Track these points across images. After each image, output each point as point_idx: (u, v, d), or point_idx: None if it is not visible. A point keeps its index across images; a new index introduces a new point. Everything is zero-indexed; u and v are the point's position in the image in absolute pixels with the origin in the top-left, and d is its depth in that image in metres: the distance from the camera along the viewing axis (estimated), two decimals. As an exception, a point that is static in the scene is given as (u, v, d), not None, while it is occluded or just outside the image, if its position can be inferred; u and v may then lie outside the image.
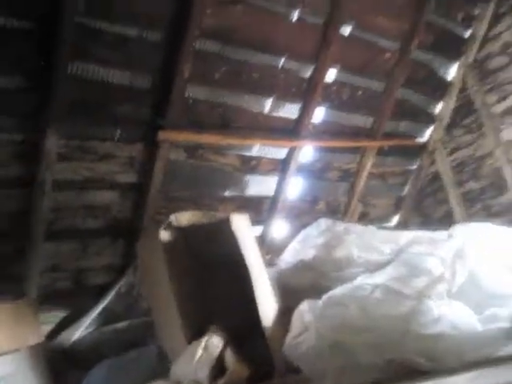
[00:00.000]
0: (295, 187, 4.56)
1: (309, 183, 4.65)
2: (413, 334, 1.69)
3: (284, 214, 4.53)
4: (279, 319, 2.35)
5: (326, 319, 1.92)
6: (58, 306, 3.72)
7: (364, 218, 5.09)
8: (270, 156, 4.30)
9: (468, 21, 4.86)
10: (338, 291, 2.08)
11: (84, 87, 3.31)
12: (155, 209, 3.87)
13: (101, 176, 3.61)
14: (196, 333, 2.26)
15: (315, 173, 4.64)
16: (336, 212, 4.90)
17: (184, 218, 2.40)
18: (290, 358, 2.06)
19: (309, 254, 2.88)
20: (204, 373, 2.07)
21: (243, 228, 2.40)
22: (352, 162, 4.82)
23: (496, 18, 4.79)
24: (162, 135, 3.55)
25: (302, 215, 4.70)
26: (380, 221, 5.32)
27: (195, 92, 3.75)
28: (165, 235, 2.32)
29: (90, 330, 2.78)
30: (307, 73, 4.16)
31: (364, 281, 2.05)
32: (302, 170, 4.52)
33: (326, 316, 1.94)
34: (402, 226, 5.43)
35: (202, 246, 2.39)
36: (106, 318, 2.80)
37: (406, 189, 5.35)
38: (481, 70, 4.92)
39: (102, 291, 3.84)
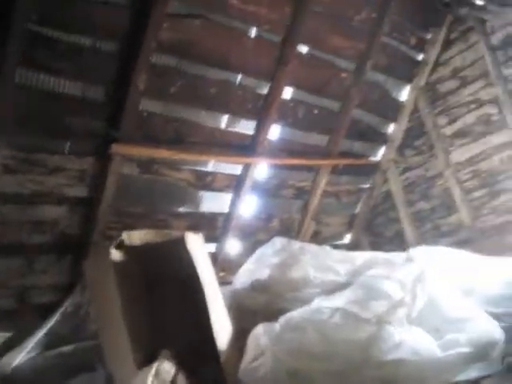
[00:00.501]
0: (249, 204, 4.52)
1: (263, 201, 4.62)
2: (373, 361, 1.67)
3: (238, 232, 4.48)
4: (234, 342, 2.29)
5: (283, 343, 1.87)
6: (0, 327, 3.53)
7: (317, 237, 5.10)
8: (225, 172, 4.25)
9: (421, 45, 4.99)
10: (295, 314, 2.03)
11: (33, 97, 3.19)
12: (106, 224, 3.74)
13: (49, 190, 3.46)
14: (147, 357, 2.16)
15: (270, 190, 4.62)
16: (290, 230, 4.89)
17: (136, 236, 2.31)
18: (245, 382, 1.99)
19: (264, 273, 2.83)
20: (156, 400, 1.98)
21: (197, 247, 2.33)
22: (306, 180, 4.83)
23: (447, 44, 4.95)
24: (115, 148, 3.45)
25: (256, 233, 4.66)
26: (332, 239, 5.34)
27: (150, 106, 3.67)
28: (116, 254, 2.23)
29: (33, 354, 2.61)
30: (264, 90, 4.16)
31: (322, 304, 2.02)
32: (257, 187, 4.49)
33: (283, 340, 1.88)
34: (354, 244, 5.47)
35: (155, 266, 2.31)
36: (51, 340, 2.64)
37: (359, 207, 5.41)
38: (432, 93, 5.06)
39: (47, 311, 3.66)
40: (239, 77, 3.99)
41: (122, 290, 2.18)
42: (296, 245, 3.02)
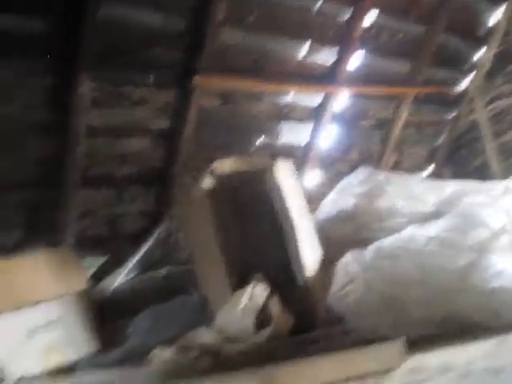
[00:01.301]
0: (329, 135, 4.46)
1: (342, 131, 4.54)
2: (472, 289, 1.64)
3: (317, 163, 4.45)
4: (321, 270, 2.32)
5: (375, 271, 1.87)
6: (92, 253, 3.75)
7: (397, 168, 4.99)
8: (304, 103, 4.19)
9: (517, -41, 4.56)
10: (387, 242, 2.02)
11: (117, 30, 3.22)
12: (187, 156, 3.82)
13: (134, 122, 3.55)
14: (239, 282, 2.24)
15: (349, 120, 4.52)
16: (369, 161, 4.79)
17: (226, 164, 2.34)
18: (334, 309, 2.03)
19: (349, 203, 2.81)
20: (249, 321, 2.06)
21: (287, 175, 2.33)
22: (387, 110, 4.68)
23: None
24: (198, 80, 3.45)
25: (335, 164, 4.62)
26: (413, 171, 5.21)
27: (229, 36, 3.63)
28: (208, 182, 2.27)
29: (130, 277, 2.79)
30: (345, 15, 3.99)
31: (415, 232, 1.99)
32: (337, 117, 4.40)
33: (375, 268, 1.89)
34: (435, 176, 5.31)
35: (246, 194, 2.34)
36: (145, 265, 2.81)
37: (441, 138, 5.21)
38: (528, 12, 4.66)
39: (136, 237, 3.86)
40: (319, 3, 3.83)
41: (214, 217, 2.24)
42: (381, 175, 2.95)
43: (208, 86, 3.62)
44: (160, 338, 2.15)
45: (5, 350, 2.21)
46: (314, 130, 4.31)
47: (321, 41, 3.97)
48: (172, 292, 2.53)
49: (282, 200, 2.24)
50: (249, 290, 2.14)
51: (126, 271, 2.78)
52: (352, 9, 3.98)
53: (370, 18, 4.11)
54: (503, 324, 1.60)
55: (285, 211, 2.24)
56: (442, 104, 5.02)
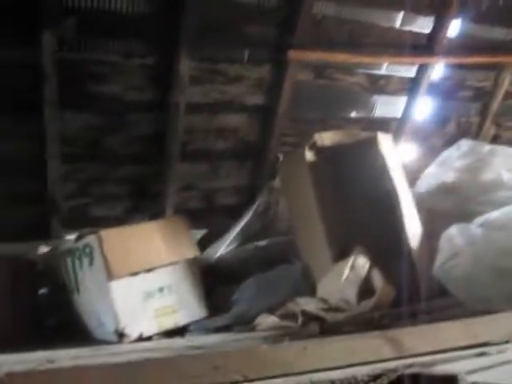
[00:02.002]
0: (424, 108, 4.33)
1: (439, 103, 4.40)
2: None
3: (412, 136, 4.35)
4: (424, 243, 2.30)
5: (485, 244, 1.84)
6: (190, 225, 3.91)
7: (496, 141, 4.76)
8: (399, 74, 4.09)
9: None
10: (496, 215, 1.97)
11: (213, 8, 3.28)
12: (281, 130, 3.87)
13: (230, 98, 3.63)
14: (341, 252, 2.27)
15: (446, 92, 4.36)
16: (467, 134, 4.61)
17: (327, 137, 2.36)
18: (441, 281, 2.01)
19: (450, 176, 2.75)
20: (352, 292, 2.09)
21: (388, 148, 2.32)
22: (487, 80, 4.46)
23: None
24: (291, 54, 3.47)
25: (431, 137, 4.50)
26: (513, 144, 4.95)
27: (323, 8, 3.60)
28: (309, 155, 2.31)
29: (232, 246, 2.90)
30: (443, -18, 3.82)
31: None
32: (433, 89, 4.26)
33: (485, 241, 1.85)
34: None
35: (347, 166, 2.35)
36: (245, 236, 2.91)
37: (545, 109, 4.89)
38: None
39: (231, 211, 3.98)
40: (415, -30, 3.70)
41: (315, 189, 2.28)
42: (485, 147, 2.85)
43: (302, 60, 3.63)
44: (264, 306, 2.23)
45: (124, 312, 2.38)
46: (410, 103, 4.21)
47: (416, 9, 3.85)
48: (274, 262, 2.61)
49: (386, 172, 2.24)
50: (351, 260, 2.17)
51: (227, 242, 2.89)
52: (450, -26, 3.80)
53: (470, -17, 3.91)
54: None
55: (389, 183, 2.24)
56: (547, 72, 4.70)
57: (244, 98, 3.68)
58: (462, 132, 4.61)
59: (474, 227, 2.07)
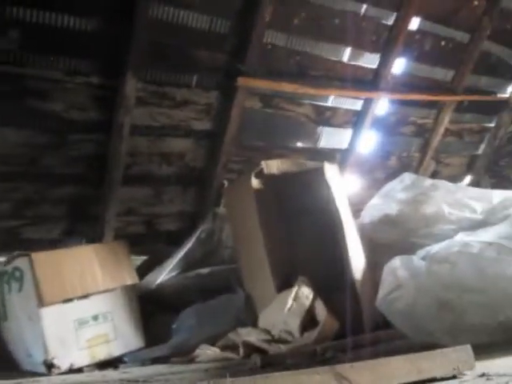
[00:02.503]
0: (368, 141, 4.42)
1: (382, 137, 4.51)
2: (532, 297, 1.60)
3: (355, 168, 4.42)
4: (367, 274, 2.29)
5: (428, 276, 1.84)
6: (131, 250, 3.79)
7: (435, 177, 4.91)
8: (345, 107, 4.17)
9: None
10: (440, 248, 1.99)
11: (163, 31, 3.25)
12: (228, 157, 3.84)
13: (177, 123, 3.58)
14: (283, 282, 2.23)
15: (389, 127, 4.48)
16: (408, 168, 4.73)
17: (274, 165, 2.33)
18: (384, 313, 2.00)
19: (393, 209, 2.78)
20: (295, 323, 2.05)
21: (335, 178, 2.32)
22: (428, 117, 4.63)
23: None
24: (241, 81, 3.46)
25: (374, 170, 4.58)
26: (451, 180, 5.10)
27: (274, 38, 3.64)
28: (255, 182, 2.27)
29: (173, 274, 2.79)
30: (389, 20, 3.96)
31: (468, 238, 1.95)
32: (377, 123, 4.37)
33: (429, 273, 1.85)
34: (474, 186, 5.21)
35: (293, 195, 2.34)
36: (187, 263, 2.81)
37: (482, 147, 5.12)
38: None
39: (172, 237, 3.88)
40: (364, 7, 3.82)
41: (261, 217, 2.24)
42: (427, 181, 2.92)
43: (250, 88, 3.63)
44: (205, 336, 2.15)
45: (54, 341, 2.23)
46: (354, 135, 4.29)
47: (364, 45, 3.96)
48: (216, 290, 2.53)
49: (331, 202, 2.23)
50: (294, 291, 2.12)
51: (168, 269, 2.78)
52: (395, 14, 3.94)
53: (414, 23, 4.08)
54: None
55: (334, 213, 2.23)
56: (484, 113, 4.95)
57: (191, 122, 3.64)
58: (404, 166, 4.73)
59: (417, 259, 2.09)
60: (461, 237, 2.04)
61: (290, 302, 2.10)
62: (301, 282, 2.17)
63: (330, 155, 4.33)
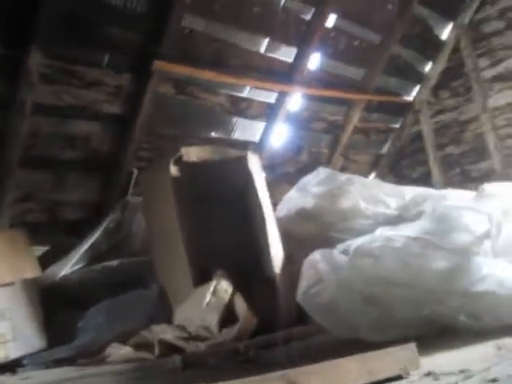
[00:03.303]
0: (281, 135, 4.41)
1: (294, 132, 4.52)
2: (457, 291, 1.62)
3: (266, 161, 4.38)
4: (284, 267, 2.25)
5: (352, 270, 1.82)
6: (30, 240, 3.50)
7: (342, 172, 5.01)
8: (260, 99, 4.12)
9: (471, -21, 4.73)
10: (362, 242, 1.98)
11: (76, 3, 3.01)
12: (138, 144, 3.66)
13: (85, 104, 3.35)
14: (201, 275, 2.12)
15: (302, 122, 4.50)
16: (317, 163, 4.78)
17: (194, 152, 2.22)
18: (304, 307, 1.96)
19: (309, 202, 2.76)
20: (213, 319, 1.95)
21: (256, 168, 2.25)
22: (339, 114, 4.71)
23: (498, -19, 4.69)
24: (157, 65, 3.30)
25: (284, 164, 4.59)
26: (357, 177, 5.25)
27: (193, 22, 3.51)
28: (174, 170, 2.14)
29: (78, 266, 2.56)
30: (308, 15, 3.97)
31: (391, 233, 1.96)
32: (290, 117, 4.37)
33: (352, 267, 1.83)
34: (378, 183, 5.38)
35: (213, 184, 2.23)
36: (94, 255, 2.59)
37: (387, 146, 5.30)
38: (476, 32, 4.85)
39: (75, 226, 3.64)
40: (284, -1, 3.79)
41: (178, 206, 2.11)
42: (342, 176, 2.93)
43: (165, 73, 3.48)
44: (115, 334, 1.98)
45: None
46: (267, 128, 4.26)
47: (282, 38, 3.94)
48: (126, 284, 2.36)
49: (253, 192, 2.15)
50: (213, 285, 2.03)
51: (72, 261, 2.55)
52: (314, 9, 3.96)
53: (331, 21, 4.11)
54: (483, 327, 1.59)
55: (256, 204, 2.16)
56: (390, 113, 5.12)
57: (100, 105, 3.42)
58: (313, 161, 4.78)
59: (337, 253, 2.07)
60: (381, 232, 2.05)
61: (208, 296, 2.00)
62: (219, 276, 2.08)
63: (243, 147, 4.26)
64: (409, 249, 1.74)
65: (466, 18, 4.85)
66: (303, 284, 2.04)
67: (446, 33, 4.95)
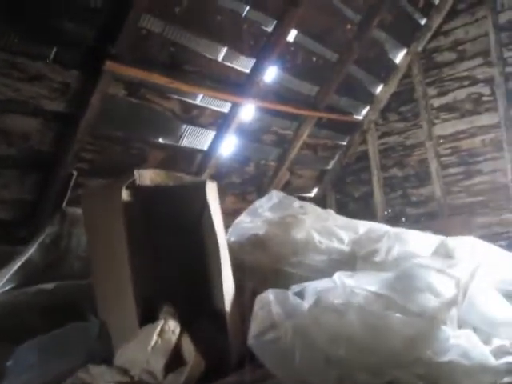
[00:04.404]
0: (230, 145, 4.30)
1: (243, 143, 4.43)
2: (421, 360, 1.57)
3: (213, 171, 4.27)
4: (235, 298, 2.14)
5: (313, 324, 1.73)
6: None
7: (287, 187, 4.99)
8: (213, 107, 3.99)
9: (427, 9, 4.81)
10: (323, 290, 1.89)
11: (23, -10, 2.75)
12: (81, 145, 3.43)
13: (25, 99, 3.09)
14: (147, 310, 1.97)
15: (252, 133, 4.42)
16: (264, 176, 4.73)
17: (147, 176, 2.06)
18: (255, 353, 1.86)
19: (261, 228, 2.67)
20: (159, 363, 1.81)
21: (214, 197, 2.12)
22: (289, 129, 4.66)
23: (453, 13, 4.79)
24: (109, 66, 3.09)
25: (231, 174, 4.48)
26: (301, 191, 5.25)
27: (151, 23, 3.33)
28: (125, 194, 1.97)
29: (9, 287, 2.29)
30: (269, 27, 3.87)
31: (351, 283, 1.89)
32: (240, 128, 4.26)
33: (314, 320, 1.75)
34: (320, 199, 5.41)
35: (163, 210, 2.08)
36: (27, 274, 2.34)
37: (332, 163, 5.31)
38: (428, 61, 4.94)
39: (4, 228, 3.38)
40: (247, 8, 3.67)
41: (128, 234, 1.95)
42: (295, 202, 2.86)
43: (118, 74, 3.27)
44: (49, 376, 1.79)
45: None
46: (217, 138, 4.13)
47: (241, 48, 3.83)
48: (62, 311, 2.16)
49: (209, 221, 2.03)
50: (160, 325, 1.89)
51: (4, 279, 2.29)
52: (275, 22, 3.87)
53: (291, 36, 4.05)
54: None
55: (212, 233, 2.03)
56: (339, 130, 5.14)
57: (42, 101, 3.17)
58: (260, 174, 4.71)
59: (292, 296, 1.98)
60: (340, 278, 1.98)
61: (154, 338, 1.86)
62: (167, 314, 1.94)
63: (190, 155, 4.13)
64: (372, 308, 1.67)
65: (420, 45, 4.92)
66: (255, 327, 1.94)
67: (399, 58, 5.00)
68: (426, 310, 1.68)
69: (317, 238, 2.55)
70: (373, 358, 1.59)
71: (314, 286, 2.01)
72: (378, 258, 2.32)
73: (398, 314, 1.64)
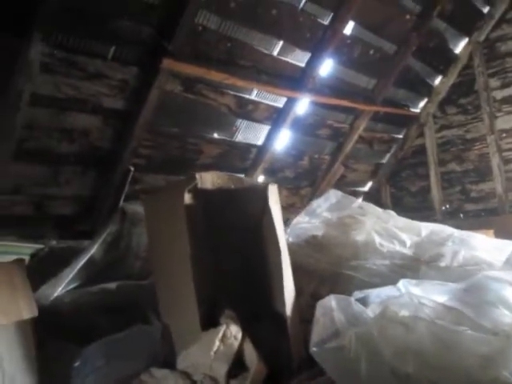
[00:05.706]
0: (284, 139, 4.26)
1: (298, 137, 4.37)
2: (500, 380, 1.50)
3: (267, 165, 4.24)
4: (295, 301, 2.11)
5: (379, 335, 1.69)
6: (12, 234, 3.31)
7: (341, 181, 4.90)
8: (268, 102, 3.95)
9: (491, -4, 4.60)
10: (388, 299, 1.84)
11: (85, -11, 2.78)
12: (139, 141, 3.47)
13: (85, 97, 3.14)
14: (209, 314, 1.97)
15: (306, 127, 4.35)
16: (318, 170, 4.67)
17: (208, 179, 2.05)
18: (317, 360, 1.83)
19: (320, 230, 2.62)
20: (222, 369, 1.81)
21: (276, 201, 2.09)
22: (345, 122, 4.56)
23: (518, 0, 4.56)
24: (166, 64, 3.09)
25: (284, 169, 4.44)
26: (354, 185, 5.16)
27: (207, 19, 3.32)
28: (188, 198, 1.97)
29: (73, 286, 2.33)
30: (326, 20, 3.79)
31: (418, 292, 1.83)
32: (295, 122, 4.21)
33: (380, 332, 1.69)
34: (374, 193, 5.30)
35: (225, 214, 2.07)
36: (90, 273, 2.37)
37: (387, 157, 5.19)
38: (490, 50, 4.72)
39: (64, 222, 3.47)
40: (303, 1, 3.60)
41: (190, 236, 1.95)
42: (354, 202, 2.79)
43: (175, 71, 3.28)
44: (113, 380, 1.81)
45: None
46: (272, 133, 4.10)
47: (297, 42, 3.76)
48: (124, 311, 2.18)
49: (271, 225, 2.00)
50: (222, 330, 1.88)
51: (68, 278, 2.33)
52: (332, 14, 3.78)
53: (348, 28, 3.95)
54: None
55: (273, 237, 2.00)
56: (395, 123, 5.01)
57: (101, 98, 3.21)
58: (314, 168, 4.64)
59: (355, 303, 1.93)
60: (405, 285, 1.92)
61: (216, 343, 1.86)
62: (228, 319, 1.93)
63: (244, 150, 4.12)
64: (444, 323, 1.61)
65: (482, 35, 4.72)
66: (317, 334, 1.90)
67: (459, 48, 4.81)
68: (501, 326, 1.60)
69: (377, 240, 2.48)
70: (445, 376, 1.53)
71: (377, 294, 1.95)
72: (442, 263, 2.23)
73: (472, 331, 1.57)
